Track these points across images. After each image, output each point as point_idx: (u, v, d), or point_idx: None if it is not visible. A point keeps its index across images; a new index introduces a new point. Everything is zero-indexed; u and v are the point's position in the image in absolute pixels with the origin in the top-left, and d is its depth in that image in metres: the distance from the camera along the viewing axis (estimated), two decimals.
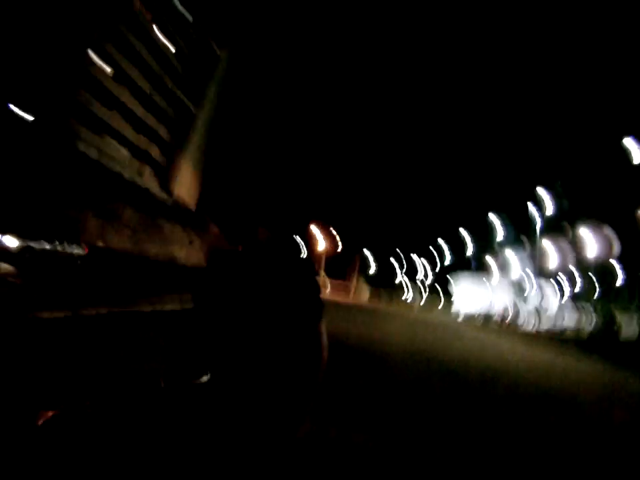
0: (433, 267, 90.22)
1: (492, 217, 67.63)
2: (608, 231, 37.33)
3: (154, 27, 27.98)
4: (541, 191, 52.50)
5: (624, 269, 37.67)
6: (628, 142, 26.70)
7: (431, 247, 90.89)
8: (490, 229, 72.06)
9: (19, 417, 1.78)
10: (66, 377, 3.66)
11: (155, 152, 32.22)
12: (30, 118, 16.14)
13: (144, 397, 1.58)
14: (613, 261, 39.13)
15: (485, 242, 74.10)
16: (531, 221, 61.49)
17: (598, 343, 19.89)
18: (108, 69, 23.85)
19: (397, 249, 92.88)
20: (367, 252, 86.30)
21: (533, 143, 69.92)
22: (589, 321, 33.13)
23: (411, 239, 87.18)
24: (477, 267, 71.67)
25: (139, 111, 28.70)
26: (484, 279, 63.45)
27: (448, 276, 75.66)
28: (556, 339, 24.72)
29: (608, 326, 27.76)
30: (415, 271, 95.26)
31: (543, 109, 67.77)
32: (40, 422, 1.44)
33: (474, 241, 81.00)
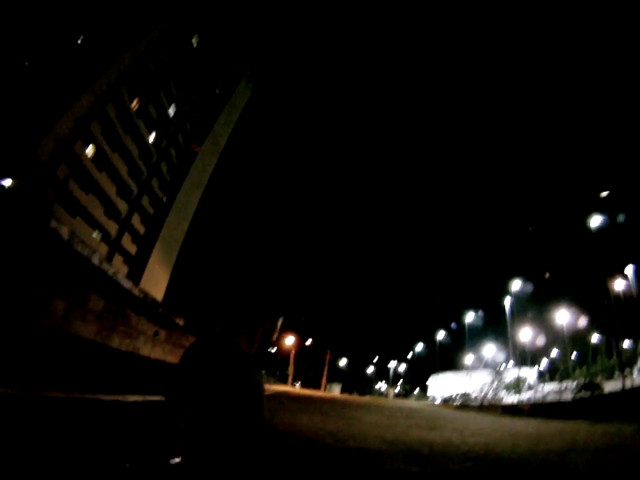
0: (410, 370, 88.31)
1: (466, 315, 69.69)
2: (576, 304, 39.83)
3: (138, 117, 28.60)
4: (513, 282, 55.15)
5: (599, 333, 39.74)
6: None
7: (409, 355, 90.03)
8: (463, 326, 73.30)
9: None
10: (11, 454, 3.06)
11: (126, 241, 30.72)
12: (7, 182, 14.89)
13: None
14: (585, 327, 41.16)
15: (461, 339, 74.70)
16: (502, 310, 63.11)
17: (582, 403, 19.59)
18: (89, 150, 23.42)
19: (374, 358, 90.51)
20: (342, 361, 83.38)
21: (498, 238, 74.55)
22: (570, 385, 33.75)
23: (388, 347, 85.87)
24: (454, 363, 71.95)
25: (114, 196, 27.87)
26: (461, 372, 64.89)
27: (426, 375, 75.24)
28: (539, 405, 23.97)
29: (589, 385, 28.12)
30: (390, 376, 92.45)
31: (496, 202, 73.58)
32: None
33: (449, 339, 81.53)
